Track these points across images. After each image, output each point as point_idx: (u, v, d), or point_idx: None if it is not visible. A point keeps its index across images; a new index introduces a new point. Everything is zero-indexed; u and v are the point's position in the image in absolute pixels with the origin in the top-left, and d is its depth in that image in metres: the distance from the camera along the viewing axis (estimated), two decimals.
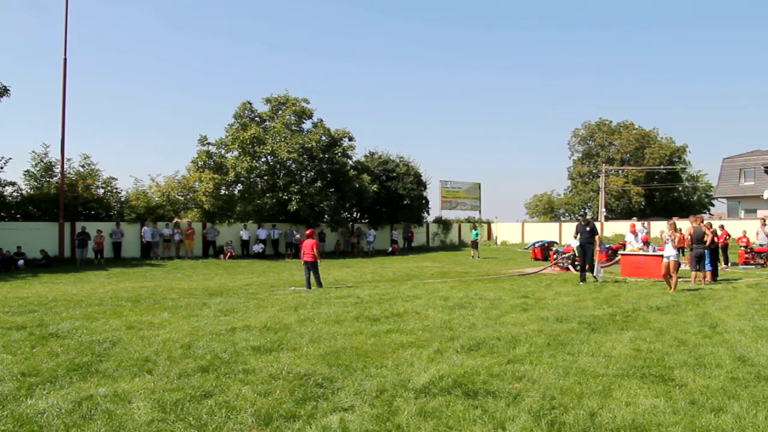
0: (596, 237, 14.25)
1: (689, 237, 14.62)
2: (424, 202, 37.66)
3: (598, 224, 39.06)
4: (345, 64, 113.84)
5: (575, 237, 14.84)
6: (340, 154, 31.61)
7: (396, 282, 15.46)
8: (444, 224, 42.74)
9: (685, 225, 16.77)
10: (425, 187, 37.63)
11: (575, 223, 15.60)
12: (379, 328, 8.01)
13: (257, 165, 29.71)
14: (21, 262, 21.75)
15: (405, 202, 35.83)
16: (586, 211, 55.88)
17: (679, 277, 13.51)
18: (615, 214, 51.42)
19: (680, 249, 14.73)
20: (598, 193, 49.62)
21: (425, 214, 38.88)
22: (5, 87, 23.36)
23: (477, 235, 29.45)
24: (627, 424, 4.20)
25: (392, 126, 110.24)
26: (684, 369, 5.73)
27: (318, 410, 4.52)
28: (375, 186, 31.96)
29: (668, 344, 6.91)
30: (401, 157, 36.67)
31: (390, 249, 33.73)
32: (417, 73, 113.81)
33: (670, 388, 5.09)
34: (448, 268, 21.08)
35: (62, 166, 25.60)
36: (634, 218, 30.63)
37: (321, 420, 4.29)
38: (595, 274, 14.28)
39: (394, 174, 35.13)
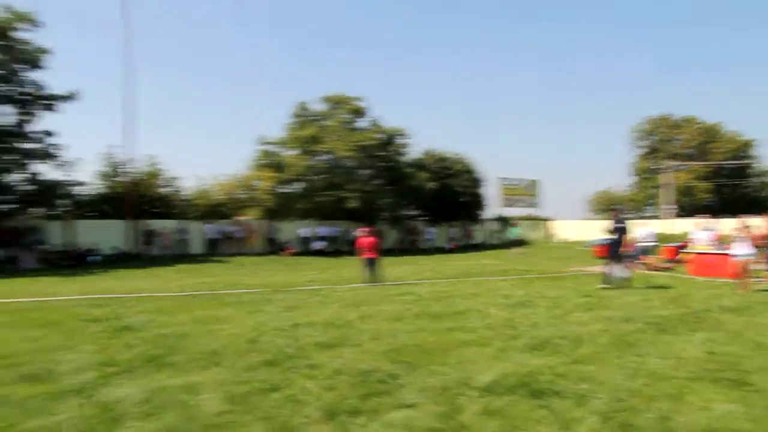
0: (623, 236, 12.86)
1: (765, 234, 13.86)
2: (481, 199, 37.34)
3: (659, 222, 37.56)
4: (390, 61, 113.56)
5: (608, 233, 13.23)
6: (395, 152, 31.72)
7: (456, 279, 15.36)
8: (503, 221, 42.15)
9: (756, 223, 15.81)
10: (483, 185, 37.29)
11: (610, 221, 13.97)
12: (441, 326, 7.97)
13: (315, 163, 30.19)
14: (95, 257, 22.92)
15: (462, 200, 35.57)
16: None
17: (752, 278, 12.77)
18: (681, 210, 49.27)
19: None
20: (662, 189, 47.67)
21: (483, 212, 38.50)
22: (73, 93, 24.48)
23: (515, 233, 28.92)
24: (701, 429, 4.02)
25: (445, 123, 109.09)
26: (762, 374, 5.42)
27: (382, 406, 4.54)
28: (432, 183, 31.88)
29: (744, 347, 6.55)
30: (458, 155, 36.46)
31: (448, 246, 33.55)
32: (456, 69, 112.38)
33: (746, 393, 4.83)
34: (508, 266, 20.75)
35: (130, 167, 26.91)
36: (701, 215, 29.29)
37: (385, 416, 4.30)
38: (617, 273, 12.91)
39: (451, 171, 34.93)
